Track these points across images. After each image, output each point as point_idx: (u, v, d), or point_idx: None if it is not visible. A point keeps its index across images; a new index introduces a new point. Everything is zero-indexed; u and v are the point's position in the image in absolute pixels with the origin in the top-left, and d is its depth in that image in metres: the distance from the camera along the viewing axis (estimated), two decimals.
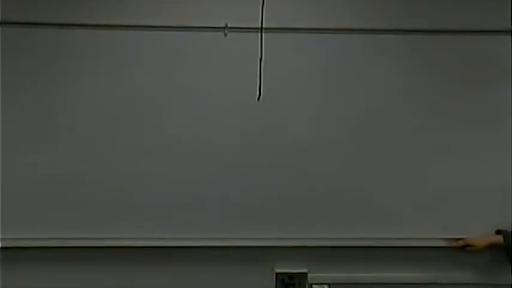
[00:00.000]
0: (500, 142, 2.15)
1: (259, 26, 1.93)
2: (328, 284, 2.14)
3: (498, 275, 2.15)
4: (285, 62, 2.14)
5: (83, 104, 2.10)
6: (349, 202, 2.14)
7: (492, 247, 2.10)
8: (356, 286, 2.15)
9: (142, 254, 2.09)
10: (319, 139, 2.14)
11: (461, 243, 2.11)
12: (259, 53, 1.98)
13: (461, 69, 2.18)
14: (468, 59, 2.18)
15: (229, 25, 2.12)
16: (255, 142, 2.12)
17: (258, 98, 1.97)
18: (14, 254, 2.04)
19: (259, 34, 1.97)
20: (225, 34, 2.12)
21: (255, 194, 2.12)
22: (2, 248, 2.02)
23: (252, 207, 2.12)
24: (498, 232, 2.11)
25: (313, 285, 2.14)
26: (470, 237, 2.10)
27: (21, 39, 2.08)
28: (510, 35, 2.18)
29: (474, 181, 2.15)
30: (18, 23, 2.08)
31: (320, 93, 2.16)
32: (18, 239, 2.03)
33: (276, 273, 2.14)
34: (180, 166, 2.10)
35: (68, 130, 2.09)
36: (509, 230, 2.08)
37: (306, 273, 2.14)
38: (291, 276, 2.13)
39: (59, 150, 2.08)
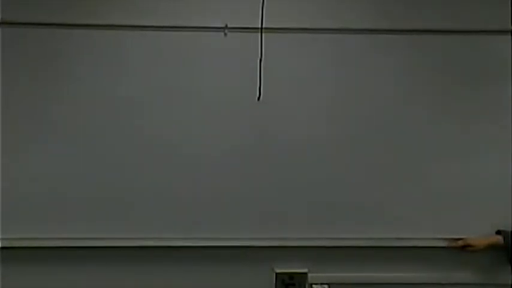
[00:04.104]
0: (500, 142, 2.15)
1: (259, 26, 1.93)
2: (328, 284, 2.14)
3: (498, 275, 2.15)
4: (285, 62, 2.14)
5: (83, 104, 2.10)
6: (349, 202, 2.13)
7: (492, 247, 2.09)
8: (356, 286, 2.15)
9: (143, 254, 2.09)
10: (319, 139, 2.14)
11: (461, 243, 2.11)
12: (259, 53, 1.98)
13: (462, 69, 2.18)
14: (468, 59, 2.18)
15: (229, 25, 2.12)
16: (254, 142, 2.12)
17: (258, 98, 1.98)
18: (14, 254, 2.04)
19: (259, 34, 1.97)
20: (225, 34, 2.12)
21: (254, 194, 2.12)
22: (2, 248, 2.02)
23: (251, 207, 2.12)
24: (498, 232, 2.11)
25: (313, 285, 2.14)
26: (470, 237, 2.10)
27: (21, 39, 2.08)
28: (510, 35, 2.18)
29: (474, 181, 2.15)
30: (18, 23, 2.08)
31: (320, 93, 2.15)
32: (18, 239, 2.03)
33: (276, 273, 2.14)
34: (179, 166, 2.10)
35: (68, 130, 2.09)
36: (509, 230, 2.09)
37: (306, 273, 2.14)
38: (291, 276, 2.13)
39: (59, 150, 2.08)
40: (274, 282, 2.14)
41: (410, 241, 2.13)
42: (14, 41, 2.08)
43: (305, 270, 2.14)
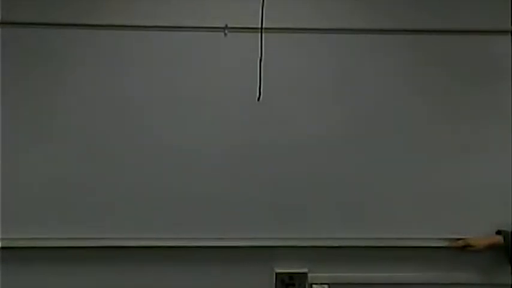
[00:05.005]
0: (500, 142, 2.15)
1: (259, 26, 1.93)
2: (328, 284, 2.14)
3: (498, 275, 2.15)
4: (285, 62, 2.14)
5: (83, 104, 2.10)
6: (350, 202, 2.13)
7: (492, 247, 2.09)
8: (356, 286, 2.15)
9: (143, 254, 2.09)
10: (319, 139, 2.14)
11: (461, 243, 2.11)
12: (259, 53, 1.98)
13: (461, 69, 2.18)
14: (468, 59, 2.18)
15: (229, 25, 2.12)
16: (254, 142, 2.12)
17: (258, 98, 1.98)
18: (14, 254, 2.04)
19: (259, 34, 1.97)
20: (225, 34, 2.12)
21: (255, 194, 2.12)
22: (2, 248, 2.02)
23: (252, 207, 2.12)
24: (498, 232, 2.11)
25: (313, 285, 2.14)
26: (470, 238, 2.10)
27: (21, 39, 2.08)
28: (510, 35, 2.18)
29: (474, 181, 2.15)
30: (18, 23, 2.08)
31: (320, 93, 2.15)
32: (18, 239, 2.04)
33: (276, 273, 2.14)
34: (179, 166, 2.10)
35: (68, 130, 2.09)
36: (509, 230, 2.09)
37: (306, 273, 2.14)
38: (291, 276, 2.13)
39: (59, 150, 2.08)
40: (274, 282, 2.14)
41: (410, 241, 2.13)
42: (14, 41, 2.08)
43: (305, 270, 2.14)
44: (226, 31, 2.12)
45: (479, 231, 2.11)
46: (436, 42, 2.17)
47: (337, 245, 2.12)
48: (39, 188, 2.07)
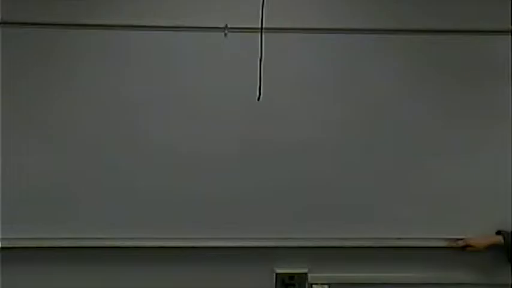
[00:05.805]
0: (500, 142, 2.15)
1: (259, 26, 1.93)
2: (328, 284, 2.14)
3: (498, 275, 2.15)
4: (285, 62, 2.14)
5: (83, 104, 2.10)
6: (349, 202, 2.14)
7: (492, 248, 2.10)
8: (356, 286, 2.15)
9: (142, 254, 2.09)
10: (319, 139, 2.14)
11: (461, 243, 2.11)
12: (259, 53, 1.98)
13: (461, 69, 2.18)
14: (468, 59, 2.18)
15: (229, 25, 2.12)
16: (254, 142, 2.12)
17: (258, 98, 1.98)
18: (14, 254, 2.04)
19: (259, 34, 1.97)
20: (225, 34, 2.12)
21: (254, 194, 2.12)
22: (2, 248, 2.02)
23: (251, 207, 2.12)
24: (498, 232, 2.11)
25: (313, 285, 2.14)
26: (470, 238, 2.10)
27: (21, 39, 2.08)
28: (510, 35, 2.18)
29: (474, 181, 2.15)
30: (18, 23, 2.08)
31: (320, 93, 2.15)
32: (18, 239, 2.04)
33: (276, 273, 2.14)
34: (179, 166, 2.10)
35: (68, 130, 2.09)
36: (509, 230, 2.09)
37: (306, 273, 2.14)
38: (291, 276, 2.13)
39: (59, 150, 2.08)
40: (274, 282, 2.14)
41: (411, 241, 2.13)
42: (14, 41, 2.08)
43: (305, 270, 2.14)
44: (226, 31, 2.12)
45: (479, 231, 2.12)
46: (436, 42, 2.17)
47: (337, 245, 2.12)
48: (39, 188, 2.07)
